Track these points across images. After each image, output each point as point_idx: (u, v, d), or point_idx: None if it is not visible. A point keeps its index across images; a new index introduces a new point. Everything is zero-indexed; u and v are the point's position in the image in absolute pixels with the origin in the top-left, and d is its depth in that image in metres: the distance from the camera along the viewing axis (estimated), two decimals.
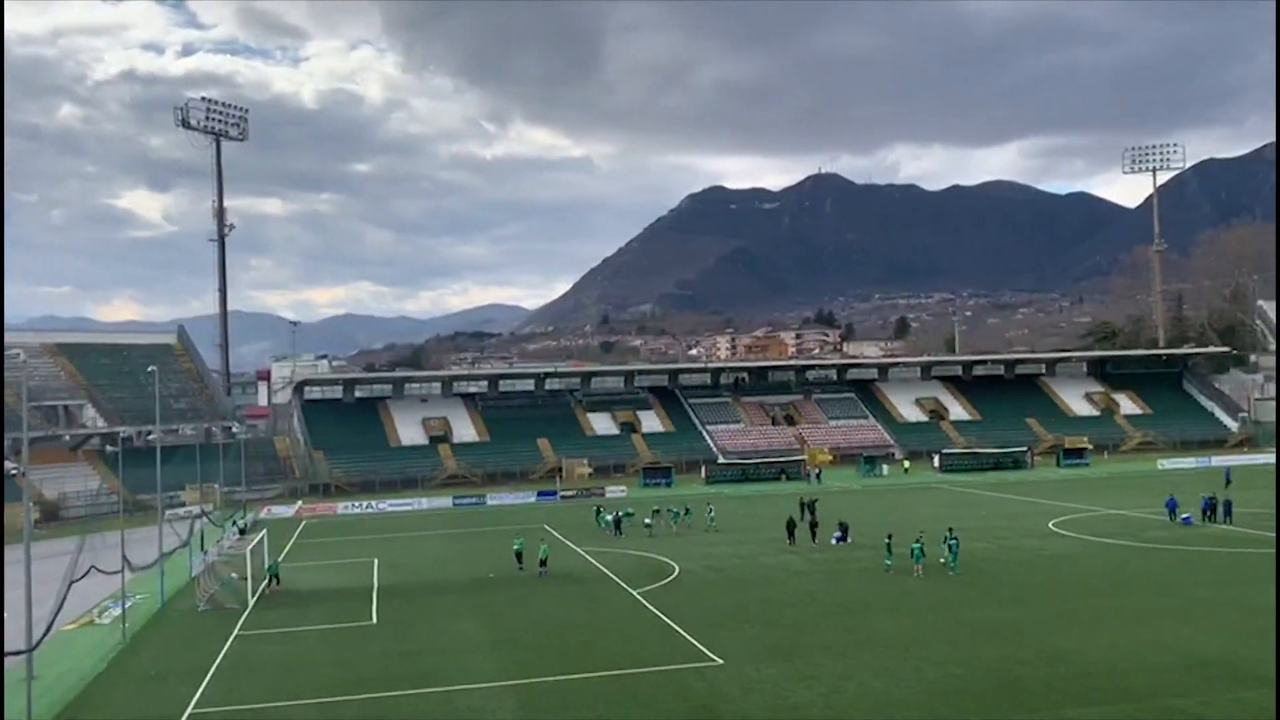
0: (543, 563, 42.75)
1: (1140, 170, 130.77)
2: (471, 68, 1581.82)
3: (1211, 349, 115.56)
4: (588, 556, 47.95)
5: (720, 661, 28.08)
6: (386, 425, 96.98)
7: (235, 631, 34.45)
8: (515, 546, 45.37)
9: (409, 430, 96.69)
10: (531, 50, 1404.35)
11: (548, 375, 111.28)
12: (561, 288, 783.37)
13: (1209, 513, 51.76)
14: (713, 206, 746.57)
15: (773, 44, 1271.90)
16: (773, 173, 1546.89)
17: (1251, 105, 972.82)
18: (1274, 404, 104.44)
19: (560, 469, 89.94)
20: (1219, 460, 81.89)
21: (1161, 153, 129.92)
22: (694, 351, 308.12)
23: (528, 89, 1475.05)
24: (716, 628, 32.10)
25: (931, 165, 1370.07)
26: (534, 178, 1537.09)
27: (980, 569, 40.57)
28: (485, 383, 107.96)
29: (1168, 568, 40.52)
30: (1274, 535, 46.36)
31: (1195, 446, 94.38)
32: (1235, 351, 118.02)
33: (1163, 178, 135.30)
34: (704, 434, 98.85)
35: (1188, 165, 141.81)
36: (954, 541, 40.97)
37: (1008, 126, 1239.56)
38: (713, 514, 57.13)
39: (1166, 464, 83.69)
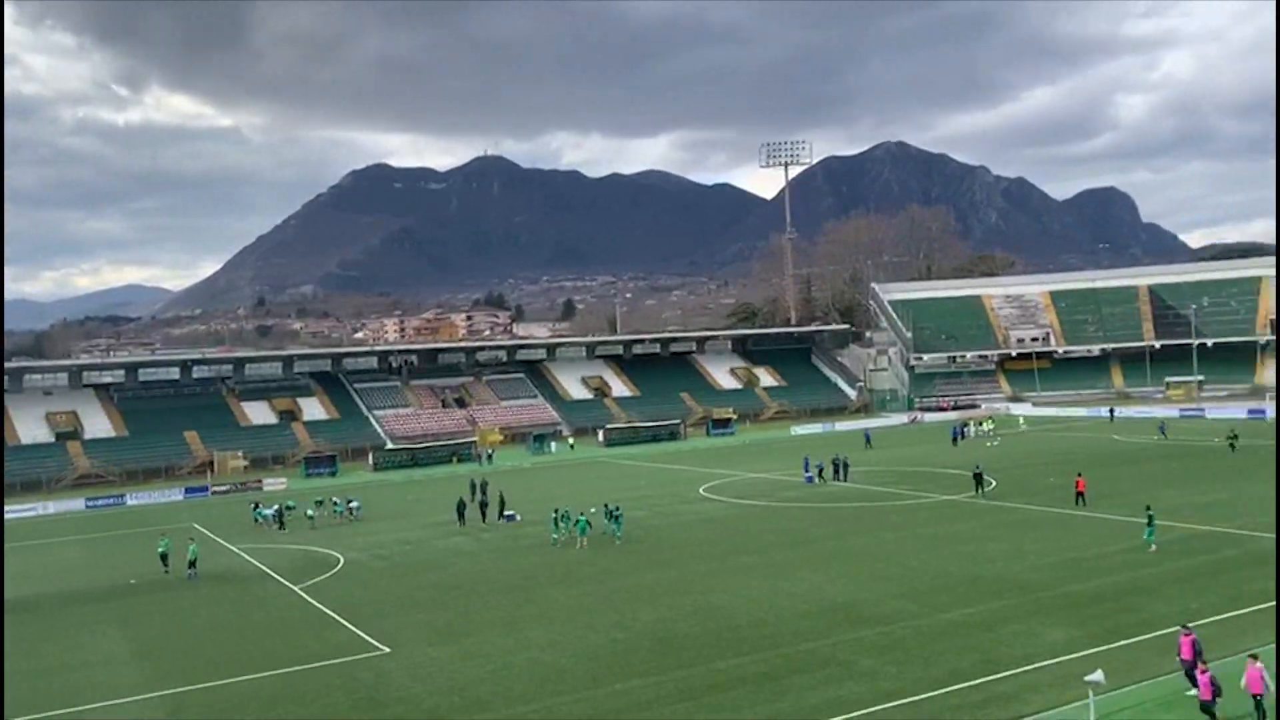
0: (192, 564, 39.79)
1: (775, 164, 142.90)
2: (98, 24, 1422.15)
3: (835, 327, 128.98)
4: (244, 554, 45.22)
5: (388, 650, 27.64)
6: (3, 422, 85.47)
7: None
8: (159, 549, 41.85)
9: (30, 427, 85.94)
10: (166, 10, 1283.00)
11: (195, 362, 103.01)
12: (210, 267, 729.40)
13: (838, 470, 58.05)
14: (377, 184, 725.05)
15: (431, 22, 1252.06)
16: (439, 153, 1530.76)
17: (864, 108, 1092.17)
18: (886, 374, 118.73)
19: (212, 463, 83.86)
20: (843, 425, 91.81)
21: (792, 149, 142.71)
22: (360, 335, 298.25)
23: (165, 52, 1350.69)
24: (384, 616, 31.53)
25: (592, 153, 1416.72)
26: (176, 148, 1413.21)
27: (640, 537, 42.83)
28: (122, 372, 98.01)
29: (801, 523, 44.92)
30: (893, 490, 52.88)
31: (823, 414, 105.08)
32: (854, 329, 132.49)
33: (794, 172, 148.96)
34: (371, 419, 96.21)
35: (815, 161, 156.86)
36: (618, 512, 42.97)
37: (660, 119, 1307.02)
38: (341, 506, 54.34)
39: (799, 430, 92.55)
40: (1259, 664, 18.86)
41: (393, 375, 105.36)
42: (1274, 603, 27.29)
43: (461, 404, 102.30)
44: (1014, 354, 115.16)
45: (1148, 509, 36.55)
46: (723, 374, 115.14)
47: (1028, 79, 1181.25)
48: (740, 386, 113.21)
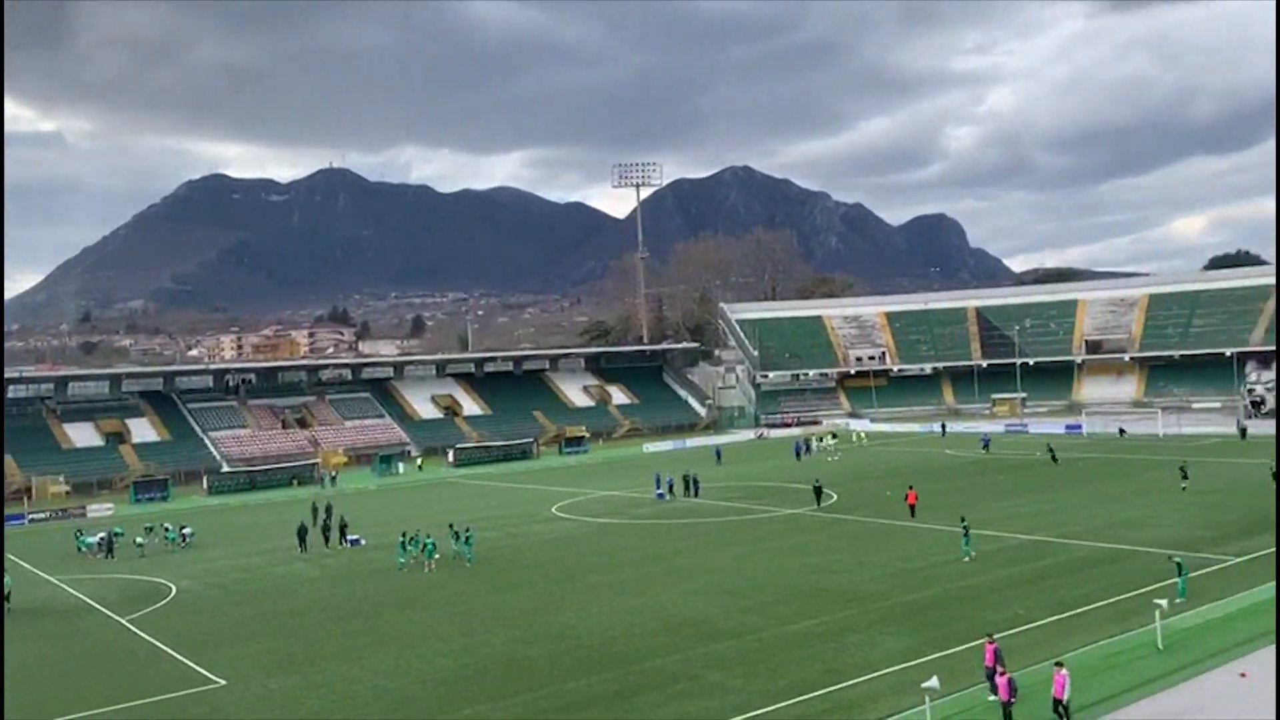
0: (5, 597, 36.95)
1: (627, 185, 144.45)
2: None
3: (685, 345, 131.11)
4: (65, 586, 42.31)
5: (223, 683, 26.38)
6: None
7: None
8: None
9: None
10: None
11: (11, 381, 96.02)
12: (30, 280, 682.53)
13: (689, 486, 58.89)
14: (214, 196, 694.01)
15: (272, 29, 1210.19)
16: (281, 164, 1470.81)
17: (713, 133, 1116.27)
18: (734, 392, 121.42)
19: (30, 489, 78.19)
20: (693, 442, 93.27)
21: (644, 170, 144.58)
22: (194, 352, 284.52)
23: None
24: (219, 648, 30.07)
25: (443, 168, 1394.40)
26: None
27: (492, 558, 42.30)
28: None
29: (652, 540, 45.33)
30: (742, 505, 53.99)
31: (674, 431, 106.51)
32: (704, 347, 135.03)
33: (645, 192, 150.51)
34: (206, 441, 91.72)
35: (665, 182, 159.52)
36: (468, 534, 42.34)
37: (512, 136, 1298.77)
38: (173, 533, 51.43)
39: (651, 447, 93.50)
40: (1064, 671, 20.28)
41: (229, 395, 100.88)
42: (1099, 603, 29.25)
43: (303, 424, 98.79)
44: (853, 372, 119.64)
45: (963, 520, 38.55)
46: (576, 392, 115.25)
47: (866, 109, 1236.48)
48: (593, 404, 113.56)
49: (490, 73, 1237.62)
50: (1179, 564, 29.93)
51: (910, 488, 48.85)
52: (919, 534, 42.42)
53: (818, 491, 52.53)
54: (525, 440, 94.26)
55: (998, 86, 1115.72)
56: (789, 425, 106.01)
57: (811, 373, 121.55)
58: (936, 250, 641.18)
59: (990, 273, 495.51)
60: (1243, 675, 22.41)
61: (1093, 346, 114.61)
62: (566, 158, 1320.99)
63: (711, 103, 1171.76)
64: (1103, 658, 24.27)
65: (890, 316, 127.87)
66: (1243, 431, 74.23)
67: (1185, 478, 50.77)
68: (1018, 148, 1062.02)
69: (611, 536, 47.32)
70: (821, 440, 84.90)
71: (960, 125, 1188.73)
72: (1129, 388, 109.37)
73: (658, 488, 59.17)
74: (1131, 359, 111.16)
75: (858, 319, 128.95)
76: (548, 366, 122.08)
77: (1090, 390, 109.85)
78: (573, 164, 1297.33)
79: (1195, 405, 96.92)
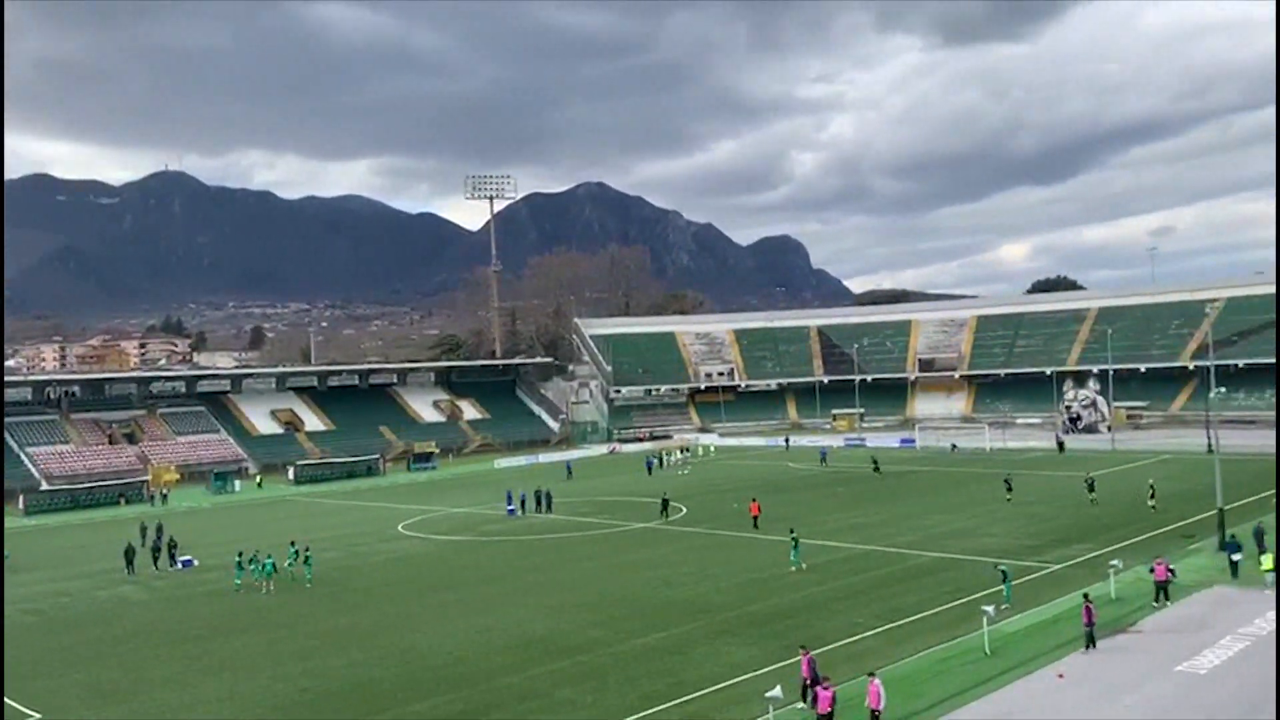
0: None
1: (480, 197, 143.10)
2: None
3: (539, 360, 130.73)
4: None
5: (39, 716, 24.67)
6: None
7: None
8: None
9: None
10: None
11: None
12: None
13: (540, 502, 58.61)
14: (37, 197, 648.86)
15: (102, 23, 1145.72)
16: (112, 165, 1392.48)
17: (567, 148, 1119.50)
18: (587, 406, 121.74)
19: None
20: (545, 457, 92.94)
21: (497, 183, 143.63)
22: (13, 362, 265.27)
23: None
24: (34, 678, 28.06)
25: (287, 173, 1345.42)
26: None
27: (334, 578, 41.01)
28: None
29: (502, 557, 44.92)
30: (593, 520, 54.09)
31: (526, 446, 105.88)
32: (557, 362, 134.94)
33: (499, 205, 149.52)
34: (23, 458, 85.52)
35: (519, 196, 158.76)
36: (307, 554, 40.94)
37: (361, 143, 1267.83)
38: None
39: (503, 463, 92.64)
40: (877, 680, 21.18)
41: (50, 408, 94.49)
42: (931, 611, 30.61)
43: (132, 440, 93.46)
44: (703, 387, 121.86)
45: (792, 532, 39.80)
46: (425, 407, 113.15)
47: (716, 132, 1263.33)
48: (443, 420, 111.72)
49: (339, 78, 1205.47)
50: (1004, 572, 31.68)
51: (754, 499, 50.10)
52: (763, 545, 43.48)
53: (664, 504, 53.55)
54: (371, 456, 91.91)
55: (839, 114, 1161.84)
56: (641, 440, 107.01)
57: (663, 388, 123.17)
58: (782, 270, 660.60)
59: (832, 293, 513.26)
60: (1060, 676, 23.90)
61: (925, 364, 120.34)
62: (418, 167, 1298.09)
63: (566, 118, 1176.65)
64: (934, 663, 25.44)
65: (739, 334, 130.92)
66: (1061, 445, 79.31)
67: (1010, 490, 53.82)
68: (858, 174, 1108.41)
69: (460, 554, 46.64)
70: (673, 454, 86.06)
71: (805, 150, 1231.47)
72: (959, 404, 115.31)
73: (509, 504, 58.70)
74: (961, 377, 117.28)
75: (708, 336, 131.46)
76: (396, 381, 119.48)
77: (923, 406, 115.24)
78: (424, 174, 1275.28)
79: (1019, 421, 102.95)
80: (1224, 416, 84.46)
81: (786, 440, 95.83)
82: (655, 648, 28.25)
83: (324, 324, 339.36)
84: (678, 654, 27.51)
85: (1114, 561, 32.60)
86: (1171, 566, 30.86)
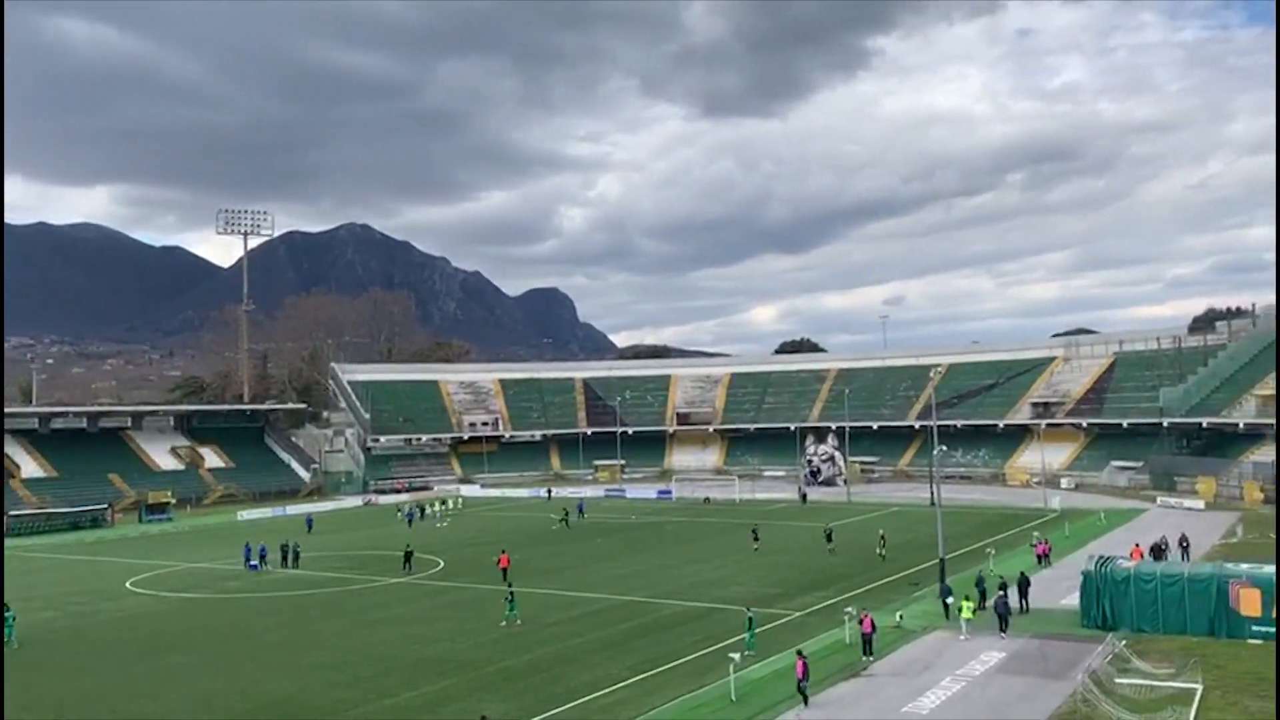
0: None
1: (234, 232, 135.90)
2: None
3: (291, 405, 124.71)
4: None
5: None
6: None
7: None
8: None
9: None
10: None
11: None
12: None
13: (286, 557, 55.74)
14: None
15: None
16: None
17: (329, 187, 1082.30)
18: (343, 455, 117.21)
19: None
20: (293, 509, 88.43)
21: (253, 218, 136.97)
22: None
23: None
24: None
25: (13, 197, 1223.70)
26: None
27: (46, 641, 37.18)
28: None
29: (242, 615, 42.26)
30: (344, 575, 51.90)
31: (273, 497, 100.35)
32: (311, 408, 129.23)
33: (254, 242, 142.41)
34: None
35: (276, 234, 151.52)
36: (9, 613, 36.92)
37: (100, 168, 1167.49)
38: None
39: (246, 515, 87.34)
40: None
41: None
42: (683, 659, 31.40)
43: None
44: (466, 437, 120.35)
45: (509, 587, 39.95)
46: (162, 454, 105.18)
47: (485, 182, 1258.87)
48: (182, 467, 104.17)
49: (77, 98, 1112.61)
50: (750, 619, 33.07)
51: (503, 551, 49.97)
52: (520, 598, 43.24)
53: (408, 557, 52.72)
54: (98, 507, 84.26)
55: (606, 174, 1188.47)
56: (399, 491, 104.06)
57: (425, 437, 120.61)
58: (550, 322, 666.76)
59: (597, 346, 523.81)
60: None
61: (683, 418, 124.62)
62: (165, 197, 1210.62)
63: (330, 157, 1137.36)
64: (684, 712, 26.17)
65: (504, 384, 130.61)
66: (804, 497, 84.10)
67: (757, 539, 56.39)
68: (623, 232, 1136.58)
69: (195, 613, 43.52)
70: (433, 506, 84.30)
71: (573, 206, 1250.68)
72: (712, 456, 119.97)
73: (249, 559, 55.46)
74: (715, 430, 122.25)
75: (473, 385, 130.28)
76: (129, 424, 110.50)
77: (680, 458, 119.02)
78: (172, 205, 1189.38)
79: (766, 473, 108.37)
80: (945, 472, 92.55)
81: (548, 491, 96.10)
82: (405, 707, 27.44)
83: (49, 361, 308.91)
84: (429, 713, 26.85)
85: (848, 609, 34.78)
86: (874, 620, 31.82)
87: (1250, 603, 31.91)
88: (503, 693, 28.49)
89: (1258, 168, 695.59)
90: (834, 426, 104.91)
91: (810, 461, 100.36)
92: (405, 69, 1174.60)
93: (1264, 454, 76.87)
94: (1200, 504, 70.50)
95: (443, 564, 53.92)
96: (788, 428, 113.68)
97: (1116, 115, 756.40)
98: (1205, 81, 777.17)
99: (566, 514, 72.98)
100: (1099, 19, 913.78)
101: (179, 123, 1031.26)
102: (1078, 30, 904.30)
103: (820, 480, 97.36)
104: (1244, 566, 34.26)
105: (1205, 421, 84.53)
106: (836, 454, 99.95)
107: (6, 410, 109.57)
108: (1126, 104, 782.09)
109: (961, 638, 32.96)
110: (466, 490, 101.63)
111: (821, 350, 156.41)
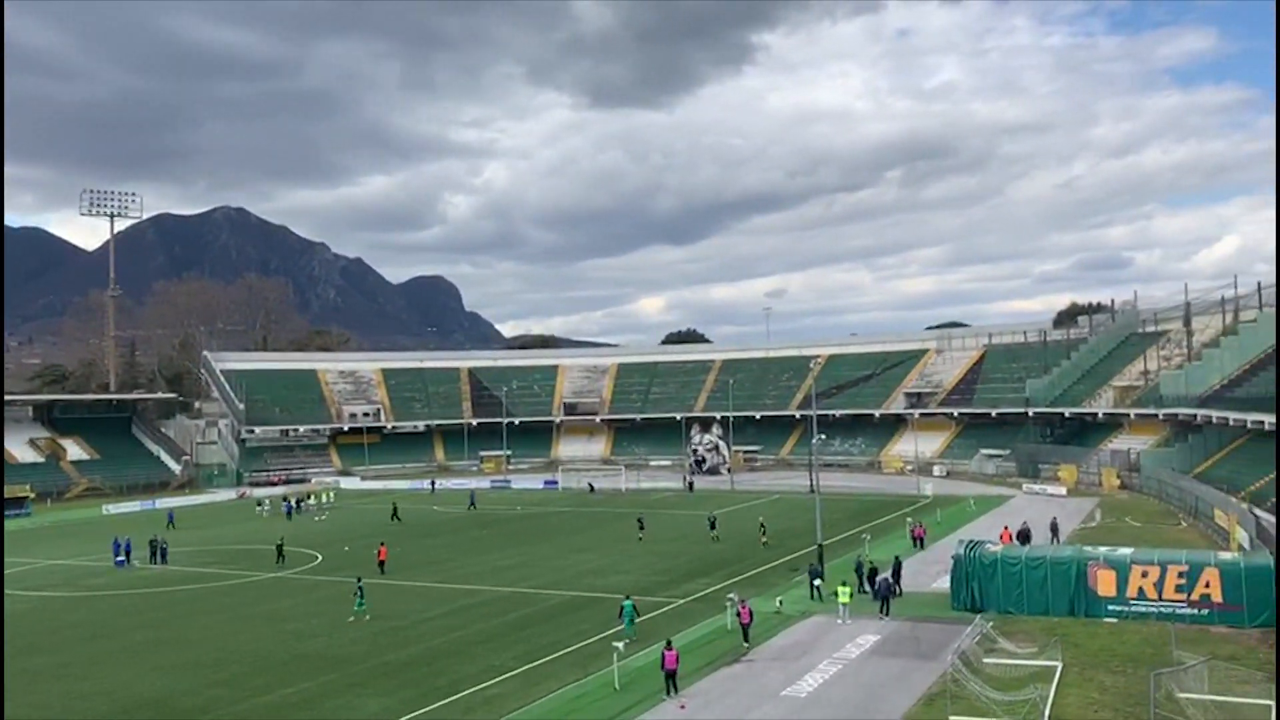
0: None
1: (99, 214, 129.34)
2: None
3: (161, 395, 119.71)
4: None
5: None
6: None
7: None
8: None
9: None
10: None
11: None
12: None
13: (154, 552, 53.59)
14: None
15: None
16: None
17: (201, 169, 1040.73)
18: (215, 447, 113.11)
19: None
20: (162, 503, 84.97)
21: (120, 200, 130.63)
22: None
23: None
24: None
25: None
26: None
27: None
28: None
29: (107, 614, 40.44)
30: (217, 570, 50.12)
31: (141, 490, 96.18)
32: (182, 398, 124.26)
33: (121, 225, 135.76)
34: None
35: (146, 216, 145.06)
36: None
37: None
38: None
39: (112, 509, 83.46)
40: None
41: None
42: (567, 649, 31.38)
43: None
44: (346, 428, 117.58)
45: (358, 580, 39.33)
46: (19, 445, 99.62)
47: (366, 166, 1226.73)
48: (41, 460, 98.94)
49: None
50: (624, 605, 33.03)
51: (381, 544, 49.13)
52: (399, 591, 42.57)
53: (280, 550, 51.49)
54: None
55: (493, 161, 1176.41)
56: (275, 483, 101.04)
57: (302, 428, 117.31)
58: (434, 311, 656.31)
59: (483, 336, 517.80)
60: (682, 707, 25.48)
61: (570, 408, 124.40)
62: (22, 175, 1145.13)
63: (203, 137, 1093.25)
64: (568, 702, 26.18)
65: (387, 373, 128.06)
66: (690, 486, 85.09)
67: (642, 528, 56.76)
68: (510, 221, 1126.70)
69: (58, 612, 41.42)
70: (310, 499, 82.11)
71: (458, 193, 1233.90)
72: (599, 446, 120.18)
73: (116, 554, 53.07)
74: (602, 420, 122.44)
75: (354, 374, 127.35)
76: None
77: (567, 449, 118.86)
78: (31, 183, 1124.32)
79: (652, 463, 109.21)
80: (824, 460, 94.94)
81: (433, 483, 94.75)
82: (282, 704, 26.70)
83: None
84: (306, 709, 26.19)
85: (730, 595, 35.33)
86: (752, 609, 32.49)
87: (1106, 583, 33.71)
88: (382, 687, 27.99)
89: (1119, 170, 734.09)
90: (719, 416, 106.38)
91: (695, 451, 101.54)
92: (282, 48, 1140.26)
93: (1120, 442, 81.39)
94: (1063, 490, 74.07)
95: (320, 558, 52.63)
96: (674, 418, 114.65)
97: (989, 115, 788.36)
98: (1071, 86, 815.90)
99: (396, 508, 71.00)
100: (974, 21, 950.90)
101: (38, 96, 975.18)
102: (954, 31, 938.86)
103: (705, 469, 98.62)
104: (1102, 549, 36.16)
105: (1067, 411, 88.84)
106: (721, 443, 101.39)
107: None
108: (998, 104, 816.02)
109: (839, 622, 33.88)
110: (346, 483, 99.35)
111: (707, 341, 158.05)
